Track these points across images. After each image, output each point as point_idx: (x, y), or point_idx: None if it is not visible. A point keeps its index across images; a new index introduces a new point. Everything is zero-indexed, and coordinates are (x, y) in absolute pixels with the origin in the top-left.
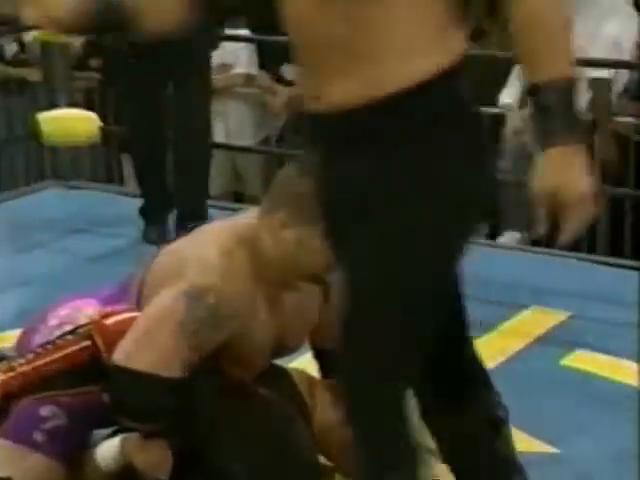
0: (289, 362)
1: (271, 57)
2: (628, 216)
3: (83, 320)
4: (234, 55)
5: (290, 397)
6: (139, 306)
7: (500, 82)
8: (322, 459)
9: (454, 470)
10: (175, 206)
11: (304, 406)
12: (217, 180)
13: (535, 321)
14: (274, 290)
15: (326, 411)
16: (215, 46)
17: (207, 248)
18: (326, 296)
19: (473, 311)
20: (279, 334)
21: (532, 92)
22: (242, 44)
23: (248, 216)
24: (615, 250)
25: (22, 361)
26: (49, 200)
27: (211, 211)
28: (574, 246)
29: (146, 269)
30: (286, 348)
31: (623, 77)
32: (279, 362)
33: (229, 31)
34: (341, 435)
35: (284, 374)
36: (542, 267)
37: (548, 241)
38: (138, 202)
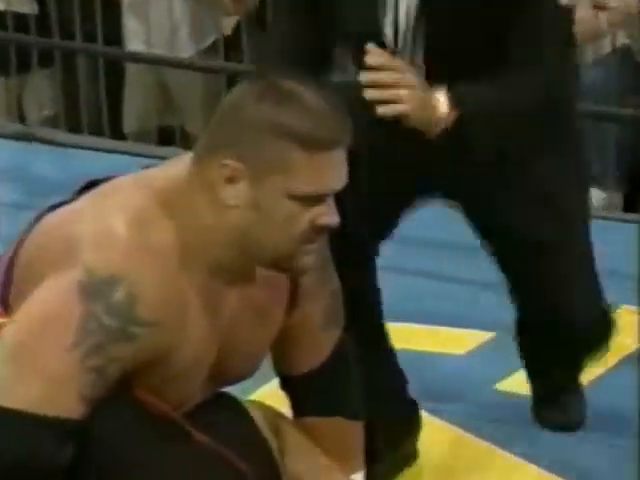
0: (247, 394)
1: None
2: None
3: None
4: None
5: (246, 445)
6: (7, 307)
7: None
8: None
9: None
10: None
11: (268, 457)
12: (134, 110)
13: (627, 327)
14: (215, 281)
15: (299, 462)
16: None
17: (112, 215)
18: (295, 293)
19: None
20: (222, 349)
21: None
22: None
23: (178, 165)
24: None
25: None
26: None
27: (122, 158)
28: None
29: (16, 248)
30: (233, 370)
31: None
32: (233, 393)
33: None
34: None
35: (238, 410)
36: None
37: None
38: (12, 146)
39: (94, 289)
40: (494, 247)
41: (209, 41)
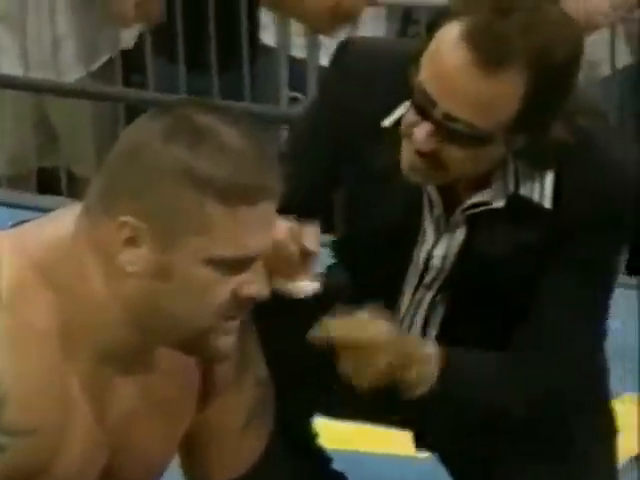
0: None
1: None
2: None
3: None
4: None
5: None
6: None
7: None
8: None
9: None
10: None
11: None
12: (6, 148)
13: (630, 421)
14: (105, 370)
15: None
16: None
17: None
18: (209, 381)
19: None
20: (114, 452)
21: None
22: None
23: (64, 220)
24: None
25: None
26: None
27: None
28: None
29: None
30: (128, 478)
31: None
32: None
33: None
34: None
35: None
36: None
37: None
38: None
39: None
40: None
41: (102, 61)
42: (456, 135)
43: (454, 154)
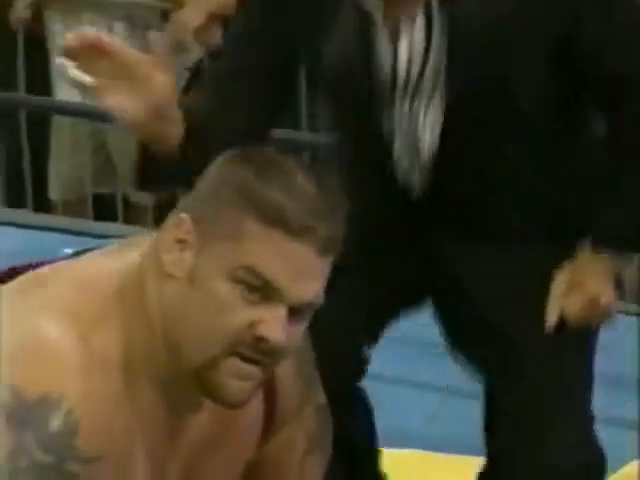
0: None
1: None
2: None
3: None
4: None
5: None
6: None
7: None
8: None
9: None
10: None
11: None
12: (64, 173)
13: None
14: (161, 401)
15: None
16: None
17: (42, 316)
18: (272, 415)
19: None
20: None
21: None
22: None
23: (138, 245)
24: None
25: None
26: None
27: (49, 236)
28: None
29: None
30: None
31: None
32: None
33: None
34: None
35: None
36: None
37: None
38: None
39: (25, 414)
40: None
41: None
42: None
43: None
